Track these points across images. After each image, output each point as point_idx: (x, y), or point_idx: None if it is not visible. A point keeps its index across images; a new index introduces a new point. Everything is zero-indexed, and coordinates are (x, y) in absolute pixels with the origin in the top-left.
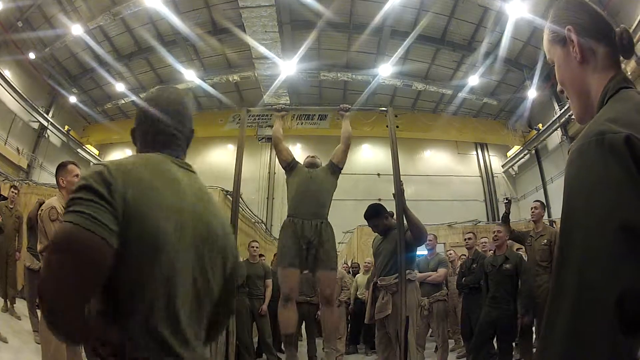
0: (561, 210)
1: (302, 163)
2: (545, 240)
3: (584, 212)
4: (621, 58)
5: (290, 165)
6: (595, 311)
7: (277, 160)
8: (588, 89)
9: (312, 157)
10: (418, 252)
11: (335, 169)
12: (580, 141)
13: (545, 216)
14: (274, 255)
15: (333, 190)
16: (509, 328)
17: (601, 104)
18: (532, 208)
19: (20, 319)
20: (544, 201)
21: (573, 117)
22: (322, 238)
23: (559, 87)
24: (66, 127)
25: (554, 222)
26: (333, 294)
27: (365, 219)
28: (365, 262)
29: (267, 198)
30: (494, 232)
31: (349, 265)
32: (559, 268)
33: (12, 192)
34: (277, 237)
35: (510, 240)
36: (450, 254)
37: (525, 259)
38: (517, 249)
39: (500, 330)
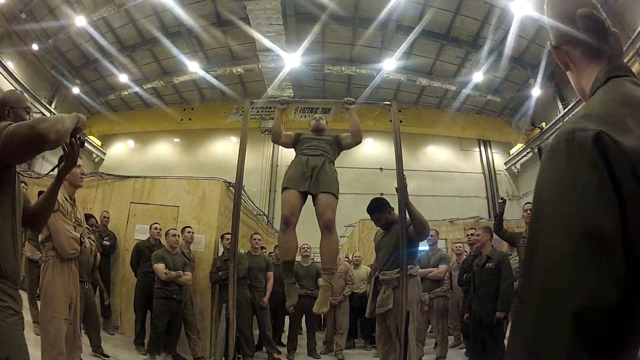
0: (531, 212)
1: (305, 133)
2: None
3: (549, 217)
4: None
5: (296, 142)
6: (554, 322)
7: (280, 153)
8: (582, 88)
9: (318, 119)
10: (419, 248)
11: (338, 145)
12: (554, 140)
13: None
14: (275, 247)
15: (336, 154)
16: (493, 325)
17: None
18: (525, 210)
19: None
20: None
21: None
22: (325, 167)
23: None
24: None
25: None
26: (332, 219)
27: (368, 212)
28: (355, 256)
29: (270, 190)
30: (468, 234)
31: (350, 259)
32: (523, 273)
33: (23, 187)
34: (279, 230)
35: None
36: (459, 247)
37: (517, 259)
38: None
39: (486, 328)
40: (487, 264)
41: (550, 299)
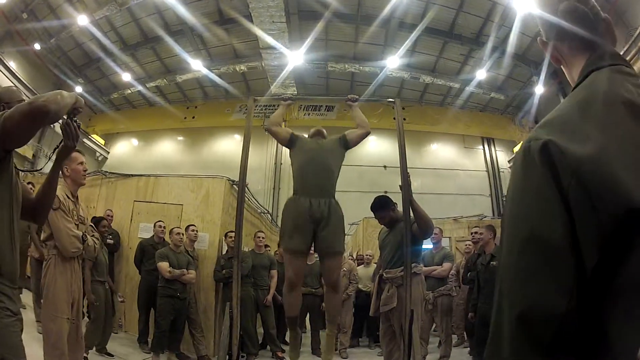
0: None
1: (302, 135)
2: None
3: (505, 221)
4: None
5: (291, 141)
6: (503, 323)
7: (283, 151)
8: (574, 81)
9: (319, 129)
10: (423, 246)
11: (346, 144)
12: (521, 145)
13: None
14: (278, 244)
15: (340, 163)
16: None
17: None
18: None
19: (24, 308)
20: None
21: None
22: (331, 218)
23: None
24: (78, 121)
25: None
26: (339, 280)
27: (372, 210)
28: (366, 255)
29: (274, 188)
30: (472, 232)
31: (354, 257)
32: (501, 262)
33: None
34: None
35: None
36: (468, 245)
37: None
38: None
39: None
40: (492, 263)
41: (501, 303)
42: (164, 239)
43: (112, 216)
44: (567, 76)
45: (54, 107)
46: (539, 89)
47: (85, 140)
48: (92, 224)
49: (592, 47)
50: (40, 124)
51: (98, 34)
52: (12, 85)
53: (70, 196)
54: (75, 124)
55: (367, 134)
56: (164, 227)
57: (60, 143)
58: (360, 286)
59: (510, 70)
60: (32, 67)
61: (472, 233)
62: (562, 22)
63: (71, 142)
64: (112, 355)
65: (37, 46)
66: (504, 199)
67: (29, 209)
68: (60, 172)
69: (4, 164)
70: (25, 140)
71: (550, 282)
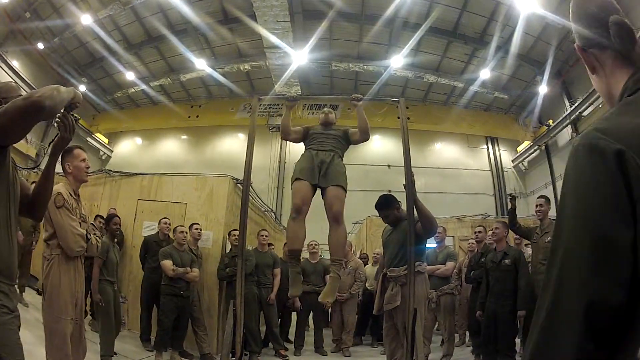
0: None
1: (314, 126)
2: (549, 238)
3: (571, 214)
4: None
5: (305, 136)
6: (566, 314)
7: (287, 149)
8: (611, 92)
9: (327, 113)
10: (427, 245)
11: (347, 140)
12: (579, 141)
13: (553, 213)
14: (284, 244)
15: (345, 149)
16: (509, 323)
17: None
18: (537, 205)
19: (27, 307)
20: (553, 198)
21: (584, 114)
22: (334, 161)
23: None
24: (75, 115)
25: None
26: (341, 211)
27: (376, 209)
28: (375, 254)
29: (277, 187)
30: (492, 228)
31: (358, 256)
32: (548, 263)
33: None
34: (289, 219)
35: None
36: (471, 244)
37: (530, 254)
38: (526, 244)
39: (500, 325)
40: (504, 261)
41: (565, 293)
42: (168, 236)
43: (115, 214)
44: (598, 83)
45: (49, 102)
46: (543, 89)
47: (88, 139)
48: (92, 223)
49: (632, 63)
50: (35, 120)
51: (102, 33)
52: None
53: (72, 194)
54: (72, 117)
55: (365, 140)
56: (170, 224)
57: (56, 136)
58: (366, 284)
59: (514, 70)
60: (35, 66)
61: (475, 232)
62: (615, 35)
63: (67, 134)
64: (116, 354)
65: (40, 45)
66: (563, 188)
67: (27, 205)
68: (63, 170)
69: (0, 159)
70: (21, 136)
71: (614, 278)
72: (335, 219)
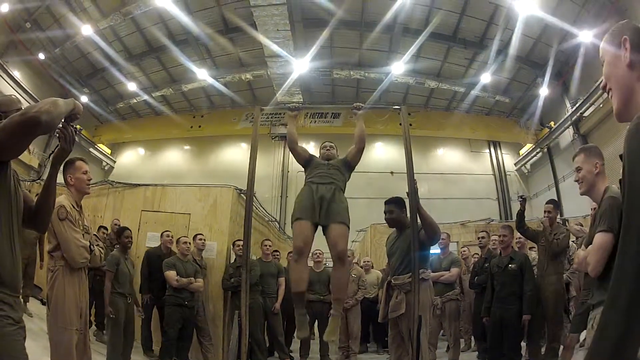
0: (624, 179)
1: (318, 157)
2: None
3: None
4: None
5: (308, 162)
6: None
7: (290, 158)
8: (633, 90)
9: (328, 148)
10: (431, 251)
11: (348, 167)
12: (633, 123)
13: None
14: (288, 253)
15: (346, 180)
16: (515, 327)
17: None
18: (545, 211)
19: (31, 316)
20: (557, 200)
21: (585, 114)
22: (335, 197)
23: (602, 82)
24: (77, 126)
25: (567, 220)
26: (345, 250)
27: (385, 203)
28: (364, 261)
29: (281, 196)
30: (500, 235)
31: (362, 265)
32: (623, 233)
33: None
34: (291, 236)
35: (524, 238)
36: (464, 251)
37: (534, 257)
38: (530, 248)
39: (506, 330)
40: (510, 265)
41: None
42: (171, 250)
43: (119, 225)
44: (624, 79)
45: (46, 117)
46: (544, 91)
47: (91, 149)
48: (96, 234)
49: None
50: (33, 135)
51: (103, 44)
52: (13, 94)
53: (75, 205)
54: (72, 128)
55: (362, 149)
56: (172, 237)
57: (56, 147)
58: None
59: (515, 73)
60: (37, 77)
61: (478, 237)
62: None
63: (67, 145)
64: None
65: (41, 56)
66: (627, 165)
67: (30, 217)
68: (65, 182)
69: (1, 174)
70: (19, 151)
71: None
72: (339, 258)
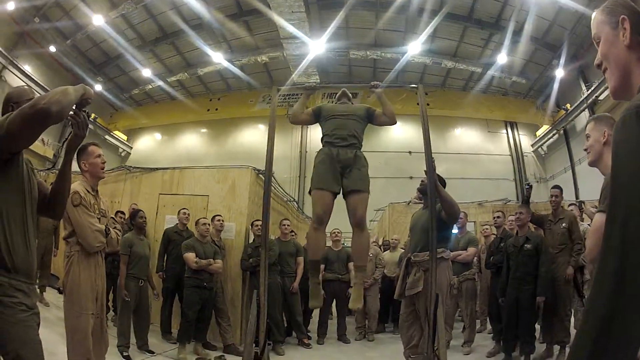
0: (610, 171)
1: (327, 105)
2: (564, 224)
3: (627, 174)
4: None
5: (316, 115)
6: (638, 266)
7: (308, 138)
8: (630, 70)
9: (344, 90)
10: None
11: (370, 118)
12: (624, 112)
13: (573, 198)
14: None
15: (363, 128)
16: (530, 308)
17: None
18: (551, 196)
19: (48, 306)
20: (573, 182)
21: (600, 98)
22: (356, 163)
23: (597, 60)
24: (93, 115)
25: (583, 202)
26: (364, 217)
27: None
28: (392, 239)
29: (299, 176)
30: (517, 213)
31: (381, 243)
32: (607, 224)
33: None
34: (310, 216)
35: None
36: (486, 229)
37: None
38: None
39: (521, 310)
40: (526, 245)
41: (633, 246)
42: (187, 226)
43: (139, 209)
44: (621, 59)
45: (55, 107)
46: (560, 73)
47: (107, 136)
48: (113, 217)
49: None
50: (43, 126)
51: (115, 33)
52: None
53: (90, 190)
54: (84, 113)
55: (392, 124)
56: (188, 214)
57: (69, 134)
58: (385, 271)
59: (531, 54)
60: (49, 69)
61: (494, 217)
62: None
63: (80, 131)
64: (153, 353)
65: (52, 48)
66: (612, 157)
67: (46, 205)
68: (79, 168)
69: (13, 165)
70: (30, 142)
71: None
72: (358, 224)
